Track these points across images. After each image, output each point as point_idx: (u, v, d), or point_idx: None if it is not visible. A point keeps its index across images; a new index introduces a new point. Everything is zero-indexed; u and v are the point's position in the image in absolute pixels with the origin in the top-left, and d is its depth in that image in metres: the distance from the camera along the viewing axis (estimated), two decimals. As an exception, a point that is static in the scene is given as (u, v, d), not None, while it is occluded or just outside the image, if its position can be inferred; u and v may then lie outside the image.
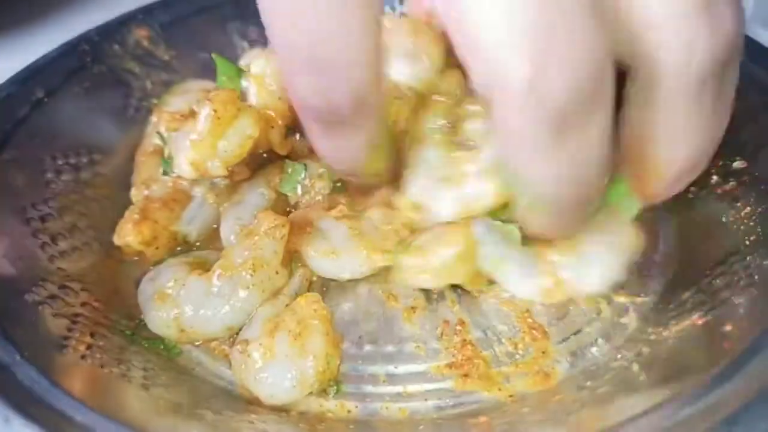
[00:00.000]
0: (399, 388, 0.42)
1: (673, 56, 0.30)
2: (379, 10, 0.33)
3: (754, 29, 0.56)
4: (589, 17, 0.28)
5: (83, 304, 0.45)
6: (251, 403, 0.41)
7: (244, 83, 0.58)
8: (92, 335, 0.43)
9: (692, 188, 0.52)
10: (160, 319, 0.45)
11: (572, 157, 0.30)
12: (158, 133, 0.58)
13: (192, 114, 0.54)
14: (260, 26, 0.79)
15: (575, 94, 0.28)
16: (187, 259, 0.49)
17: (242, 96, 0.58)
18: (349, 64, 0.32)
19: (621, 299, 0.46)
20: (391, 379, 0.43)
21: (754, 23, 0.57)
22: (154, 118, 0.59)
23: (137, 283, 0.48)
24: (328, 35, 0.30)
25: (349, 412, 0.42)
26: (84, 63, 0.61)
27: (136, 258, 0.51)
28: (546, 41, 0.27)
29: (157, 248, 0.50)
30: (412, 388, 0.42)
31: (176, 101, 0.58)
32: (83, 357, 0.40)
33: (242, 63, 0.68)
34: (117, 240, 0.50)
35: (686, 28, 0.29)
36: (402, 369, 0.43)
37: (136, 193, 0.54)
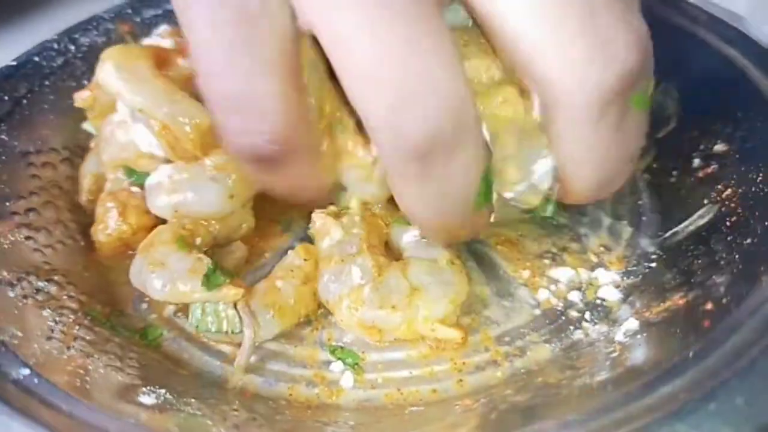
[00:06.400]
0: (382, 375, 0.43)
1: (559, 88, 0.29)
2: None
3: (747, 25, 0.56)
4: (449, 60, 0.28)
5: (69, 297, 0.45)
6: (238, 390, 0.42)
7: None
8: (78, 327, 0.43)
9: (674, 172, 0.53)
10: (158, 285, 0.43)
11: (437, 188, 0.31)
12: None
13: None
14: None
15: (432, 134, 0.28)
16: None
17: None
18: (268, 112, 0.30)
19: (604, 280, 0.46)
20: (372, 367, 0.43)
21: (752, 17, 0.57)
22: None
23: (122, 275, 0.47)
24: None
25: (336, 397, 0.42)
26: (68, 59, 0.60)
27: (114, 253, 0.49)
28: (403, 83, 0.27)
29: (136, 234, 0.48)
30: (393, 374, 0.43)
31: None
32: (69, 349, 0.40)
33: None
34: (101, 237, 0.48)
35: (569, 62, 0.28)
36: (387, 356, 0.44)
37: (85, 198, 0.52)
